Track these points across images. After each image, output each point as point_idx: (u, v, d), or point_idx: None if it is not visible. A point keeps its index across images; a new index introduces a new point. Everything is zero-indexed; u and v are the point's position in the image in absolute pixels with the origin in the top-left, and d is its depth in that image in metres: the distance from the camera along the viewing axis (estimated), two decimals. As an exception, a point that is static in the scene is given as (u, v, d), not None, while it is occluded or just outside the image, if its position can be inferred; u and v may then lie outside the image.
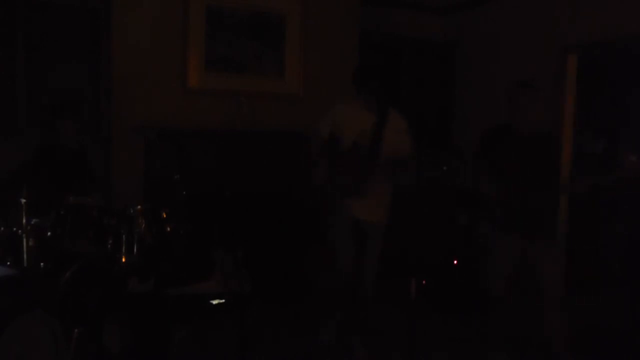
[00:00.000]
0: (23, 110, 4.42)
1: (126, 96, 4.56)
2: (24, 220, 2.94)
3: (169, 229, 3.10)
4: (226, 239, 3.88)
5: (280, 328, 4.09)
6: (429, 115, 5.92)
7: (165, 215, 3.10)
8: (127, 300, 2.91)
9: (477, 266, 3.60)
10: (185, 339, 3.11)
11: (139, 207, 3.02)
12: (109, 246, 2.95)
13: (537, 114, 3.41)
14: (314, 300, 4.32)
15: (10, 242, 2.96)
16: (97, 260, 2.90)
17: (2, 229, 3.00)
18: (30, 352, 2.52)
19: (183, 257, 3.17)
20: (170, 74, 4.70)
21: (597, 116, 5.05)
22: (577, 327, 3.92)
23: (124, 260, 2.92)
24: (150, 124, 4.47)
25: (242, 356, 3.24)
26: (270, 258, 4.48)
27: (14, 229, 2.97)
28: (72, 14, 4.53)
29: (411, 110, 3.89)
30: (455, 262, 4.69)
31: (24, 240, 2.92)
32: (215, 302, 3.05)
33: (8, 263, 2.93)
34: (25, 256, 2.92)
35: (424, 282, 3.15)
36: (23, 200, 2.94)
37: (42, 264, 2.95)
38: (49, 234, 2.96)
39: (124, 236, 2.94)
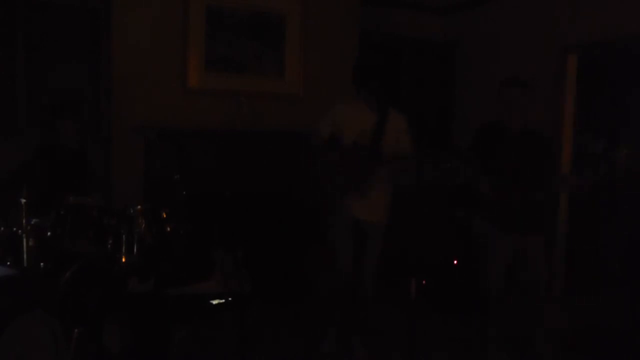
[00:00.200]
0: (23, 110, 4.42)
1: (126, 96, 4.57)
2: (24, 220, 2.93)
3: (169, 229, 3.09)
4: (226, 239, 3.88)
5: (280, 328, 4.10)
6: (429, 115, 5.92)
7: (165, 215, 3.10)
8: (127, 300, 2.90)
9: (477, 266, 3.60)
10: (185, 339, 3.11)
11: (139, 207, 3.01)
12: (109, 246, 2.95)
13: (529, 111, 3.41)
14: (314, 300, 4.32)
15: (10, 242, 2.96)
16: (97, 260, 2.90)
17: (2, 229, 3.00)
18: (30, 352, 2.52)
19: (183, 257, 3.17)
20: (170, 74, 4.70)
21: (597, 116, 5.05)
22: (577, 327, 3.93)
23: (124, 260, 2.92)
24: (150, 124, 4.47)
25: (242, 356, 3.24)
26: (270, 258, 4.48)
27: (14, 229, 2.97)
28: (72, 14, 4.53)
29: (411, 110, 3.89)
30: (455, 262, 4.69)
31: (24, 240, 2.92)
32: (215, 302, 3.05)
33: (8, 263, 2.93)
34: (25, 256, 2.92)
35: (424, 282, 3.15)
36: (23, 200, 2.94)
37: (42, 264, 2.94)
38: (49, 234, 2.96)
39: (124, 236, 2.93)
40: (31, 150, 3.87)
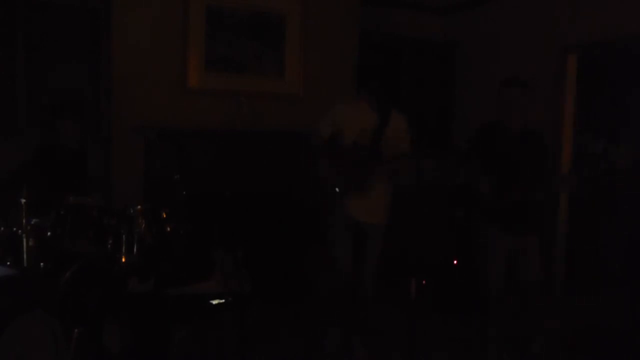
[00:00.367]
0: (23, 110, 4.42)
1: (126, 96, 4.57)
2: (24, 220, 2.94)
3: (169, 229, 3.10)
4: (226, 239, 3.88)
5: (280, 328, 4.10)
6: (429, 115, 5.92)
7: (165, 215, 3.10)
8: (127, 300, 2.90)
9: (477, 266, 3.60)
10: (185, 339, 3.10)
11: (139, 207, 3.02)
12: (109, 246, 2.95)
13: (529, 111, 3.41)
14: (314, 300, 4.32)
15: (10, 242, 2.96)
16: (97, 260, 2.90)
17: (2, 229, 3.00)
18: (30, 352, 2.52)
19: (183, 257, 3.17)
20: (170, 74, 4.70)
21: (597, 116, 5.05)
22: (577, 327, 3.93)
23: (124, 260, 2.92)
24: (150, 124, 4.47)
25: (242, 356, 3.24)
26: (270, 258, 4.48)
27: (14, 229, 2.97)
28: (72, 14, 4.53)
29: (411, 110, 3.89)
30: (455, 262, 4.69)
31: (24, 240, 2.92)
32: (215, 302, 3.05)
33: (8, 263, 2.93)
34: (25, 256, 2.92)
35: (424, 282, 3.15)
36: (23, 200, 2.94)
37: (42, 264, 2.94)
38: (49, 234, 2.96)
39: (124, 236, 2.93)
40: (31, 150, 3.87)
